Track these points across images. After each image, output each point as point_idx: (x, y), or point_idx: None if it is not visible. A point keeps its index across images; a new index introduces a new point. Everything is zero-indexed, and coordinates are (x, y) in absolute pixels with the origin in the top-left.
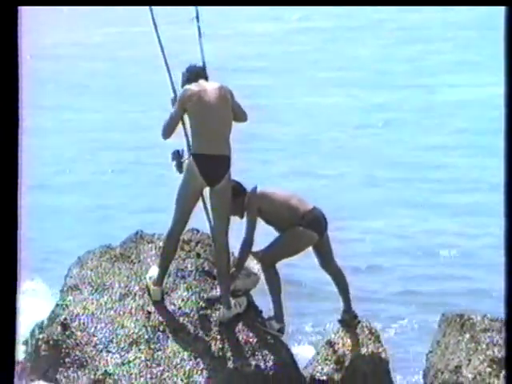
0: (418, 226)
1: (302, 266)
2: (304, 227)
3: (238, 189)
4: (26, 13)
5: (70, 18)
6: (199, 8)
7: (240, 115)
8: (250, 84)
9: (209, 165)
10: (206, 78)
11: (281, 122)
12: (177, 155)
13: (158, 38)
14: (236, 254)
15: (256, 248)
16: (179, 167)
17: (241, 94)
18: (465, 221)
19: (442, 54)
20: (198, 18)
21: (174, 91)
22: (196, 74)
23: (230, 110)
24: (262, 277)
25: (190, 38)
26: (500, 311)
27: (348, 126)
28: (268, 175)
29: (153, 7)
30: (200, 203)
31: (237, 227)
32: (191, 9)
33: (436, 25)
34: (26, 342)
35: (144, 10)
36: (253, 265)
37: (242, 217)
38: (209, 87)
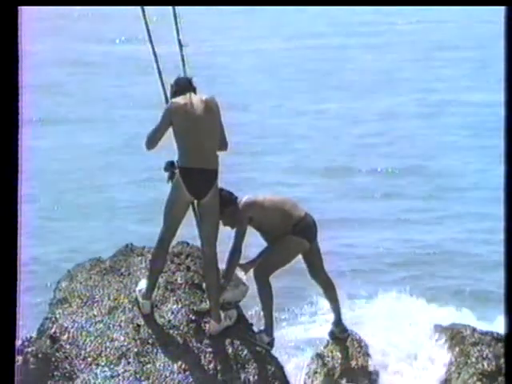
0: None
1: None
2: (295, 235)
3: (228, 198)
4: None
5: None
6: (182, 38)
7: (221, 142)
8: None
9: (194, 178)
10: (194, 90)
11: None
12: (170, 166)
13: (153, 50)
14: (224, 264)
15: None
16: (171, 178)
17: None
18: None
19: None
20: (181, 45)
21: (166, 99)
22: (184, 86)
23: (216, 122)
24: (252, 287)
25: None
26: None
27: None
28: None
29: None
30: (189, 215)
31: (226, 240)
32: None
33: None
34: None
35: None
36: (241, 275)
37: (233, 227)
38: (195, 100)
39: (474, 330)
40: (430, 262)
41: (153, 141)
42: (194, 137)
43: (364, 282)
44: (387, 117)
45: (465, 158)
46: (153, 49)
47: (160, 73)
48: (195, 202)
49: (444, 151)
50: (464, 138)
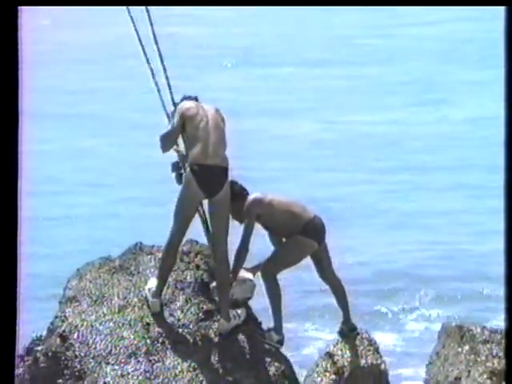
0: None
1: None
2: (304, 236)
3: (239, 192)
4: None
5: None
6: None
7: None
8: None
9: (207, 176)
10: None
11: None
12: (176, 166)
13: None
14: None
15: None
16: (179, 178)
17: None
18: None
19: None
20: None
21: (174, 104)
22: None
23: (224, 128)
24: (261, 286)
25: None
26: None
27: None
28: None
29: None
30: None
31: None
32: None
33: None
34: (20, 356)
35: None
36: (247, 275)
37: (241, 221)
38: (205, 105)
39: (483, 327)
40: None
41: (169, 143)
42: (206, 135)
43: None
44: None
45: None
46: (145, 55)
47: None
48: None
49: None
50: None
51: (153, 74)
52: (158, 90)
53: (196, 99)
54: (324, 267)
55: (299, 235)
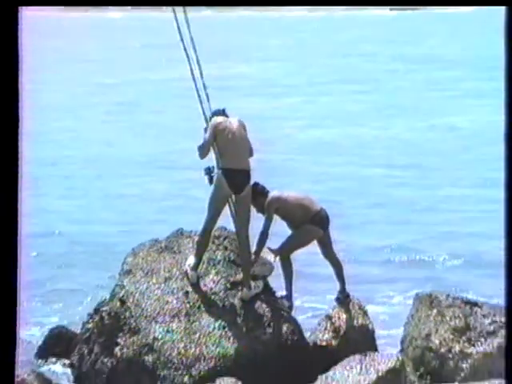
0: None
1: None
2: (313, 224)
3: (261, 191)
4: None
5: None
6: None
7: (250, 151)
8: None
9: (235, 177)
10: (227, 117)
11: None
12: (208, 171)
13: (190, 67)
14: (255, 244)
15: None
16: (210, 180)
17: None
18: None
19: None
20: (204, 86)
21: (206, 121)
22: (219, 114)
23: (247, 135)
24: (277, 266)
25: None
26: None
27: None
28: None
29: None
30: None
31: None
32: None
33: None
34: (90, 315)
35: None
36: (270, 257)
37: (263, 213)
38: (231, 119)
39: (448, 295)
40: None
41: (205, 152)
42: (234, 145)
43: None
44: None
45: None
46: (192, 72)
47: (199, 96)
48: (232, 196)
49: None
50: None
51: (197, 91)
52: (203, 109)
53: (224, 112)
54: (327, 249)
55: (308, 224)
